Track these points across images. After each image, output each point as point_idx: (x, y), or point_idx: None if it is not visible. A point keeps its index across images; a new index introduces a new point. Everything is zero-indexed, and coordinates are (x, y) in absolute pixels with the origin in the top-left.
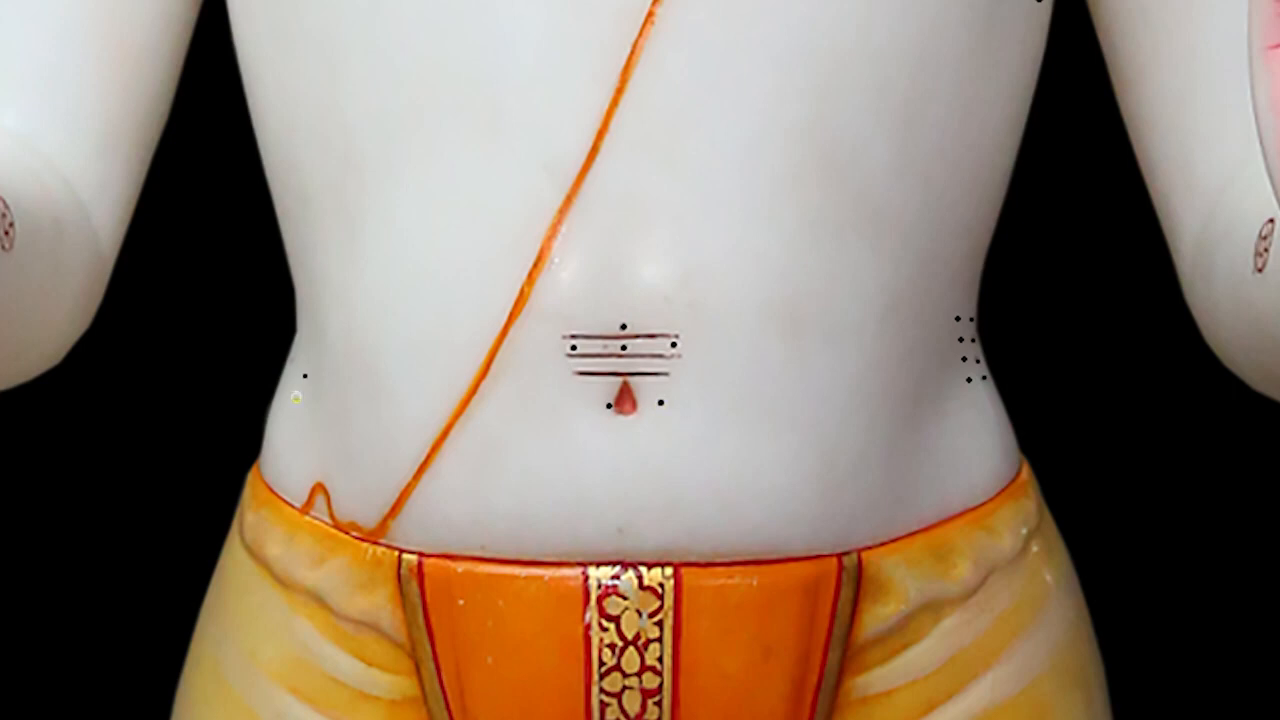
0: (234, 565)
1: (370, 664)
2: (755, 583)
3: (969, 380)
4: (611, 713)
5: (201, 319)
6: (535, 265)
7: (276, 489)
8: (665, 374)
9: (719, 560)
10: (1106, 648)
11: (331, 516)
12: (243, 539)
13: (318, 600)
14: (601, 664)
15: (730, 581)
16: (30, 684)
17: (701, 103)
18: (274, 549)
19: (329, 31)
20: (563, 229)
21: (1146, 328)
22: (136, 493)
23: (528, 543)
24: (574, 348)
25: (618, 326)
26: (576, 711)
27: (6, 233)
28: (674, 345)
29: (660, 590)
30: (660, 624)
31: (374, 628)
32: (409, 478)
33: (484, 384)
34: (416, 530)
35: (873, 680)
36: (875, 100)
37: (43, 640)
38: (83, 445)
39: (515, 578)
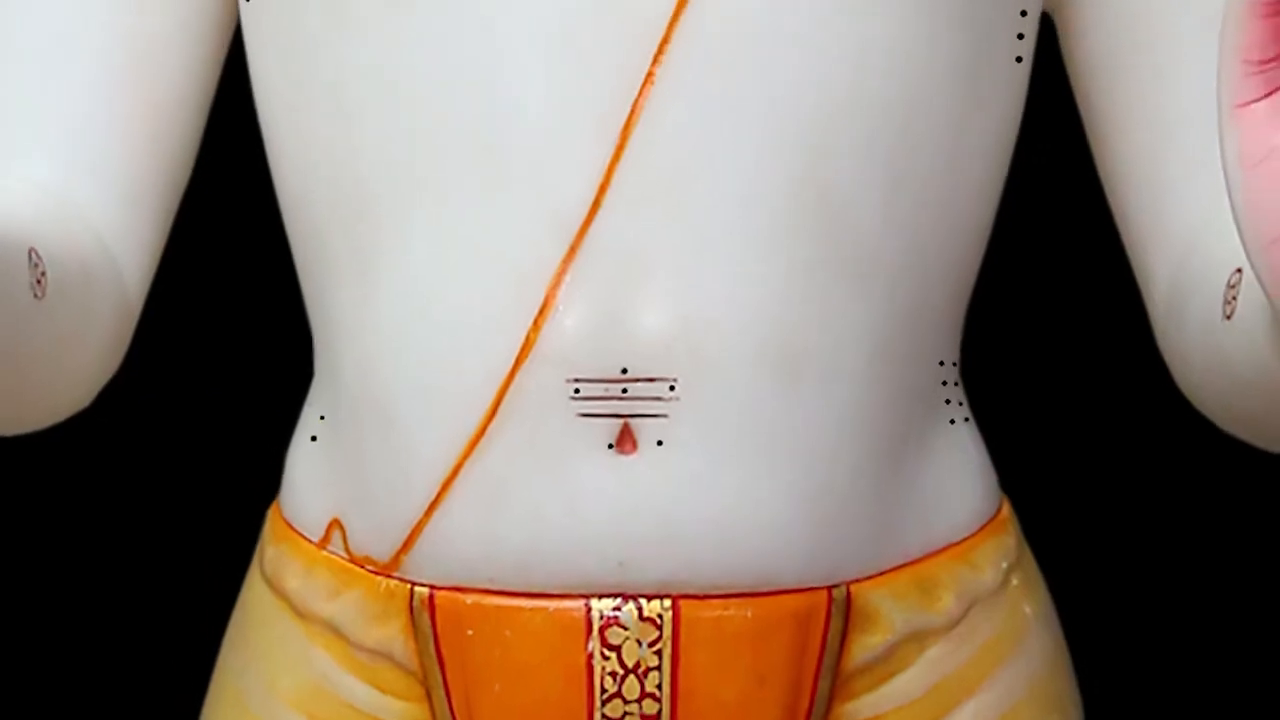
0: (255, 598)
1: (384, 691)
2: (750, 614)
3: (952, 422)
4: None
5: (226, 363)
6: (541, 312)
7: (295, 525)
8: (664, 416)
9: (716, 592)
10: (1083, 677)
11: (347, 551)
12: (263, 572)
13: (334, 631)
14: (603, 691)
15: (726, 613)
16: (54, 716)
17: (699, 159)
18: (293, 582)
19: (342, 87)
20: (567, 278)
21: (1123, 373)
22: (161, 529)
23: (534, 576)
24: (577, 391)
25: (619, 371)
26: None
27: (39, 281)
28: (673, 388)
29: (659, 621)
30: (659, 653)
31: (388, 657)
32: (421, 515)
33: (492, 426)
34: (428, 564)
35: (861, 706)
36: (865, 156)
37: (69, 673)
38: (110, 482)
39: (522, 609)
